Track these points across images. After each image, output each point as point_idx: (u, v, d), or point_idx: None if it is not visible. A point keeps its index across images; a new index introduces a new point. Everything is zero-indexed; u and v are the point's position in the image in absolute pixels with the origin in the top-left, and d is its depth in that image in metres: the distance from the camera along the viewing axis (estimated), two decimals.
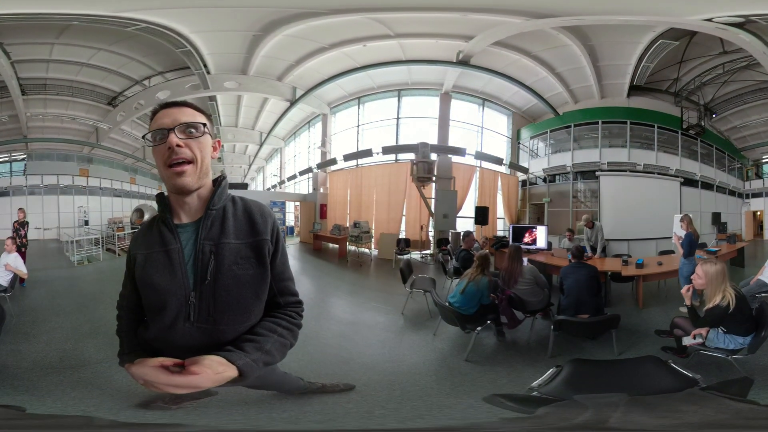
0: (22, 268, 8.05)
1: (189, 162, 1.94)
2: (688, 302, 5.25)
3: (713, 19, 9.19)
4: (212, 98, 13.33)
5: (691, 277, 5.19)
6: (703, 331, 5.12)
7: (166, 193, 2.10)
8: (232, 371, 1.74)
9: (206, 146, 2.02)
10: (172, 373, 1.69)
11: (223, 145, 15.05)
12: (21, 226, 10.50)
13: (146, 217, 13.31)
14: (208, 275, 1.96)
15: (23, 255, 8.89)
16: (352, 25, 10.79)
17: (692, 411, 1.95)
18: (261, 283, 2.08)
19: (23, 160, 12.78)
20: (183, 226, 2.05)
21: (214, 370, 1.68)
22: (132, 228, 13.57)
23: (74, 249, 11.92)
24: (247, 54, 11.74)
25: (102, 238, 12.96)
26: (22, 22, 9.66)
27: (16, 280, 8.12)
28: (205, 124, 2.02)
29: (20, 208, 10.90)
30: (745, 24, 9.30)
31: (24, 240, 9.51)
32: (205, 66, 11.89)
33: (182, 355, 1.78)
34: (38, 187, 12.91)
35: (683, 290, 5.27)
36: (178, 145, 1.90)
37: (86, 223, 13.49)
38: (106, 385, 4.94)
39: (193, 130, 1.96)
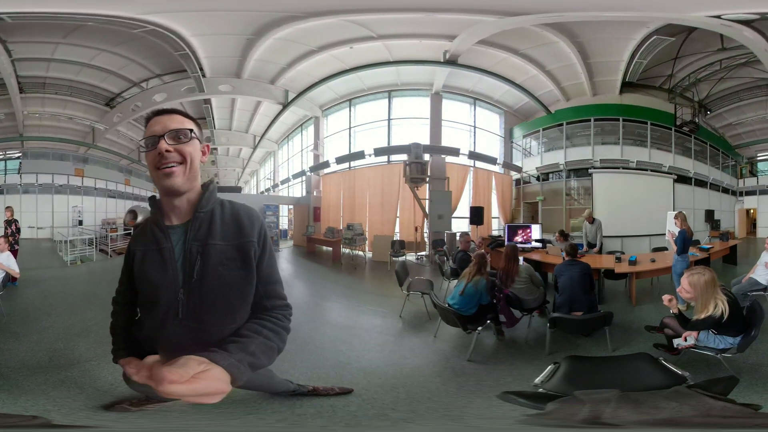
0: (14, 267, 8.05)
1: (179, 164, 2.05)
2: (674, 310, 5.19)
3: (722, 17, 9.16)
4: (207, 101, 13.36)
5: (678, 290, 5.07)
6: (694, 333, 5.08)
7: (158, 197, 2.21)
8: (216, 372, 1.67)
9: (194, 150, 2.13)
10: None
11: (216, 148, 15.12)
12: (8, 224, 10.48)
13: (139, 218, 13.27)
14: (195, 274, 2.05)
15: (15, 254, 8.86)
16: (334, 28, 10.83)
17: (672, 408, 1.98)
18: (246, 284, 2.15)
19: (18, 158, 12.77)
20: (173, 228, 2.16)
21: (190, 368, 1.61)
22: (125, 229, 13.54)
23: (68, 249, 11.95)
24: (241, 57, 11.82)
25: (96, 238, 12.96)
26: (34, 21, 9.72)
27: (8, 279, 8.15)
28: (191, 130, 2.12)
29: (8, 207, 10.88)
30: (754, 21, 9.28)
31: (10, 239, 9.48)
32: (201, 69, 11.93)
33: (171, 354, 1.78)
34: (33, 185, 12.90)
35: (665, 300, 5.18)
36: (167, 150, 2.02)
37: (80, 223, 13.49)
38: (88, 384, 4.98)
39: (181, 137, 2.07)
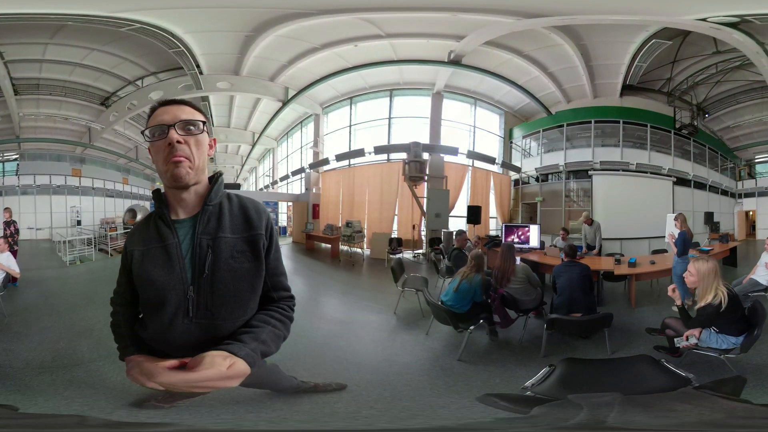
0: (14, 268, 8.03)
1: (187, 158, 1.95)
2: (678, 302, 5.24)
3: (707, 19, 9.22)
4: (205, 98, 13.29)
5: (684, 274, 5.13)
6: (695, 332, 5.09)
7: (162, 190, 2.11)
8: (239, 364, 1.75)
9: (204, 144, 2.04)
10: (183, 371, 1.70)
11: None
12: (7, 225, 10.47)
13: (139, 216, 13.28)
14: (206, 269, 1.97)
15: (14, 254, 8.84)
16: (343, 25, 10.80)
17: (687, 410, 1.94)
18: (256, 276, 2.10)
19: (15, 160, 12.75)
20: (180, 222, 2.06)
21: (220, 364, 1.68)
22: (125, 228, 13.54)
23: (67, 249, 11.90)
24: (239, 54, 11.74)
25: (94, 238, 12.92)
26: (17, 22, 9.61)
27: (8, 279, 8.13)
28: (204, 122, 2.04)
29: (6, 208, 10.90)
30: (739, 24, 9.33)
31: (9, 240, 9.47)
32: (198, 66, 11.86)
33: (180, 353, 1.79)
34: (30, 187, 12.89)
35: (670, 291, 5.25)
36: (178, 141, 1.92)
37: (79, 223, 13.47)
38: (100, 384, 4.93)
39: (192, 128, 1.99)
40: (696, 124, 13.06)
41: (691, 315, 5.15)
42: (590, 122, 13.22)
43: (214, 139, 2.20)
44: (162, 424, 3.48)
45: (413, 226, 13.76)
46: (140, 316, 2.24)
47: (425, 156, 13.18)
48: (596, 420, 1.71)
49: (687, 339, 5.16)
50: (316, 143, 15.58)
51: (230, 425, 3.54)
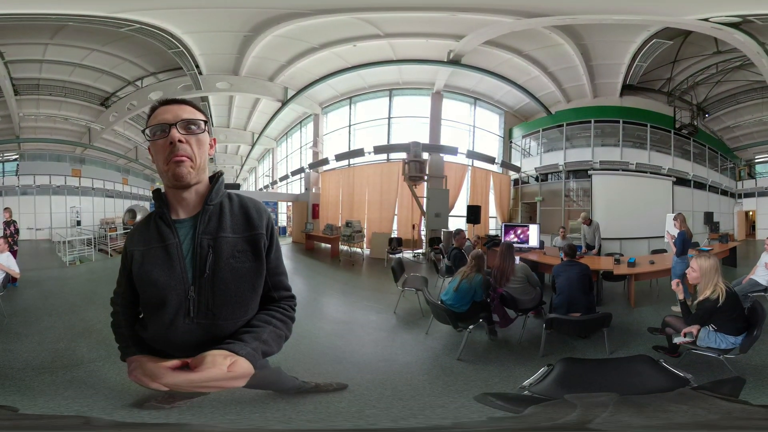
0: (14, 268, 8.01)
1: (188, 157, 1.94)
2: (680, 296, 5.25)
3: (710, 19, 9.22)
4: (204, 99, 13.28)
5: (686, 270, 5.16)
6: (693, 329, 5.10)
7: (162, 190, 2.09)
8: (241, 362, 1.74)
9: (205, 143, 2.02)
10: (185, 371, 1.69)
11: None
12: (7, 225, 10.47)
13: (139, 217, 13.27)
14: (207, 269, 1.96)
15: (14, 254, 8.83)
16: (341, 25, 10.81)
17: (682, 411, 1.91)
18: (257, 276, 2.08)
19: (15, 160, 12.76)
20: (180, 222, 2.05)
21: (221, 363, 1.68)
22: (125, 228, 13.55)
23: (66, 249, 11.90)
24: (238, 55, 11.75)
25: (94, 238, 12.93)
26: (17, 22, 9.62)
27: (8, 280, 8.11)
28: (205, 122, 2.02)
29: (6, 208, 10.90)
30: (741, 24, 9.34)
31: (9, 240, 9.45)
32: (197, 67, 11.86)
33: (181, 353, 1.78)
34: (30, 187, 12.92)
35: (673, 285, 5.27)
36: (179, 140, 1.91)
37: (78, 223, 13.49)
38: (100, 384, 4.90)
39: (193, 127, 1.97)
40: (696, 124, 13.06)
41: (691, 310, 5.17)
42: (590, 122, 13.23)
43: (215, 139, 2.18)
44: (168, 424, 3.50)
45: (413, 226, 13.76)
46: (141, 317, 2.23)
47: (425, 156, 13.19)
48: (584, 420, 1.70)
49: (684, 336, 5.16)
50: (315, 143, 15.60)
51: (242, 425, 3.56)
